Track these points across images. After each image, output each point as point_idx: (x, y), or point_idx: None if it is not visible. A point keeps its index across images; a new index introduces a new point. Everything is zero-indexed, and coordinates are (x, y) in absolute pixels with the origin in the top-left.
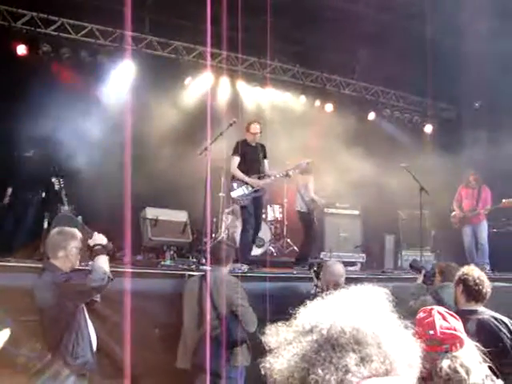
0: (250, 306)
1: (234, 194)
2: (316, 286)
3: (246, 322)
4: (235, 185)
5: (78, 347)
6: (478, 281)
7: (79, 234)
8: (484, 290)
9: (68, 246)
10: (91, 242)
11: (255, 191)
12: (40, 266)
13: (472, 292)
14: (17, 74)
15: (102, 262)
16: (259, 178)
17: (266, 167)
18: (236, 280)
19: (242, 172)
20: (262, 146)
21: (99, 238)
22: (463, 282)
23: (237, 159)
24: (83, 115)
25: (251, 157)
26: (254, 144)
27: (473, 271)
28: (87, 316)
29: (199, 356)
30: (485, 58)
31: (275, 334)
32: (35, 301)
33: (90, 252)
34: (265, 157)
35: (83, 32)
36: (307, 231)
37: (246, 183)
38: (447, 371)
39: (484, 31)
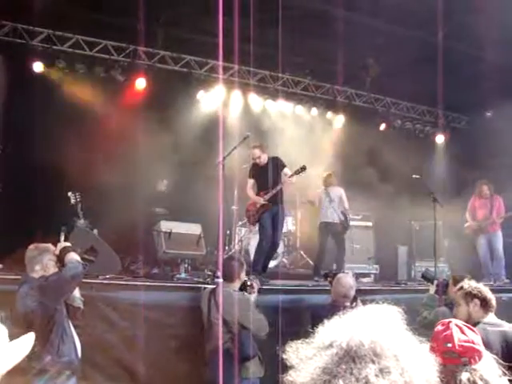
0: (260, 313)
1: (247, 215)
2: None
3: (257, 328)
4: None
5: (64, 346)
6: (488, 292)
7: (53, 248)
8: (494, 300)
9: (43, 259)
10: (57, 250)
11: (261, 206)
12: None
13: (489, 303)
14: (33, 89)
15: (73, 255)
16: (265, 194)
17: (288, 175)
18: (245, 295)
19: (256, 192)
20: (275, 160)
21: (64, 244)
22: (479, 296)
23: (250, 181)
24: (97, 129)
25: (260, 176)
26: (262, 164)
27: (479, 285)
28: (70, 323)
29: (210, 369)
30: (496, 67)
31: (295, 351)
32: (16, 312)
33: (60, 260)
34: (281, 169)
35: (97, 48)
36: (340, 242)
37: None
38: None
39: (496, 39)
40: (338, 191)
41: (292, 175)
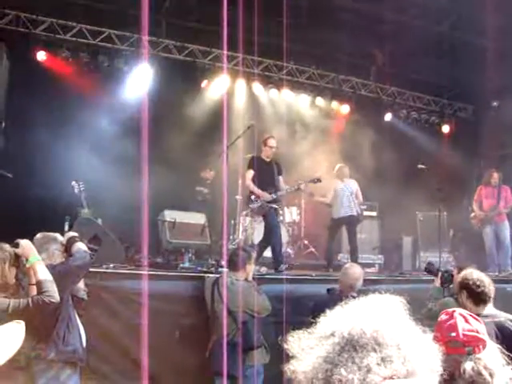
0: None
1: (251, 205)
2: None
3: (259, 309)
4: (252, 197)
5: (69, 335)
6: (478, 282)
7: (60, 237)
8: (486, 290)
9: (50, 248)
10: (65, 239)
11: (269, 202)
12: None
13: (477, 295)
14: (37, 79)
15: (80, 245)
16: (274, 191)
17: (281, 183)
18: (250, 284)
19: (257, 186)
20: (277, 164)
21: (71, 233)
22: (465, 287)
23: (251, 172)
24: (101, 118)
25: (266, 172)
26: (268, 160)
27: (472, 274)
28: (75, 312)
29: (214, 359)
30: (502, 56)
31: (297, 341)
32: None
33: (65, 248)
34: (280, 174)
35: (101, 37)
36: (354, 234)
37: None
38: (471, 374)
39: (501, 29)
40: (354, 184)
41: (305, 183)
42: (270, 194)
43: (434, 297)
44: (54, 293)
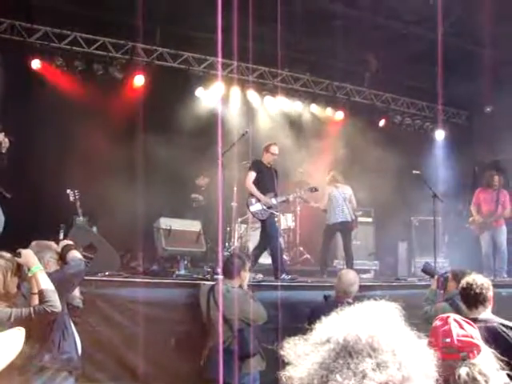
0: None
1: (252, 209)
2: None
3: (255, 317)
4: (253, 200)
5: (65, 343)
6: (465, 285)
7: (55, 246)
8: (474, 294)
9: (44, 256)
10: (60, 246)
11: (270, 207)
12: None
13: (466, 299)
14: (31, 87)
15: (75, 253)
16: (274, 197)
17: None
18: (245, 291)
19: (258, 189)
20: (276, 171)
21: (66, 241)
22: (459, 290)
23: (253, 174)
24: (96, 127)
25: (267, 176)
26: (269, 165)
27: (467, 278)
28: (70, 320)
29: (210, 367)
30: (496, 62)
31: (293, 348)
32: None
33: (60, 256)
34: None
35: (96, 45)
36: (349, 241)
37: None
38: (465, 379)
39: (495, 35)
40: (349, 189)
41: (302, 191)
42: (271, 198)
43: (430, 299)
44: (55, 302)
